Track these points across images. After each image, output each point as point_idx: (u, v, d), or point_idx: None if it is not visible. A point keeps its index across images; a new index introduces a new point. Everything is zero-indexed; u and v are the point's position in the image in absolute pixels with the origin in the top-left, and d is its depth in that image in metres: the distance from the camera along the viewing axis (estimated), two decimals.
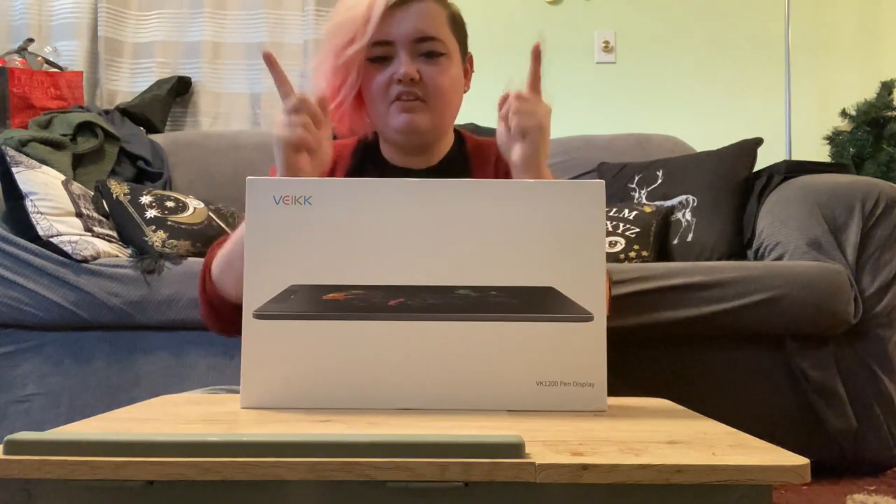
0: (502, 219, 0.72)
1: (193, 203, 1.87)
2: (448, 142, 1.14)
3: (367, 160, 1.12)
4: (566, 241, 0.72)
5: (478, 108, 2.59)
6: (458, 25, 1.10)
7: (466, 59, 1.14)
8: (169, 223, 1.74)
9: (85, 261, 1.59)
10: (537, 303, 0.71)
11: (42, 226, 1.61)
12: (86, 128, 2.09)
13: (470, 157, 1.14)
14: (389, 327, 0.71)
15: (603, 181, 0.74)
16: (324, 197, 0.72)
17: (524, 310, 0.71)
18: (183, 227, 1.76)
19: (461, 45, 1.10)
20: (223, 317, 1.03)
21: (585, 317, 0.71)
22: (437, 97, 1.04)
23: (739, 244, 1.81)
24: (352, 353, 0.72)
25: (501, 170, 1.12)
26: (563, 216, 0.72)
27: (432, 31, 1.03)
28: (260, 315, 0.71)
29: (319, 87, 1.06)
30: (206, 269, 1.03)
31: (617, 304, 1.37)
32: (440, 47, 1.04)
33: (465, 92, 1.13)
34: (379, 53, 1.03)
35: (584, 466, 0.50)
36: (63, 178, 1.78)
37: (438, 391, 0.72)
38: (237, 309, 1.01)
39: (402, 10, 1.02)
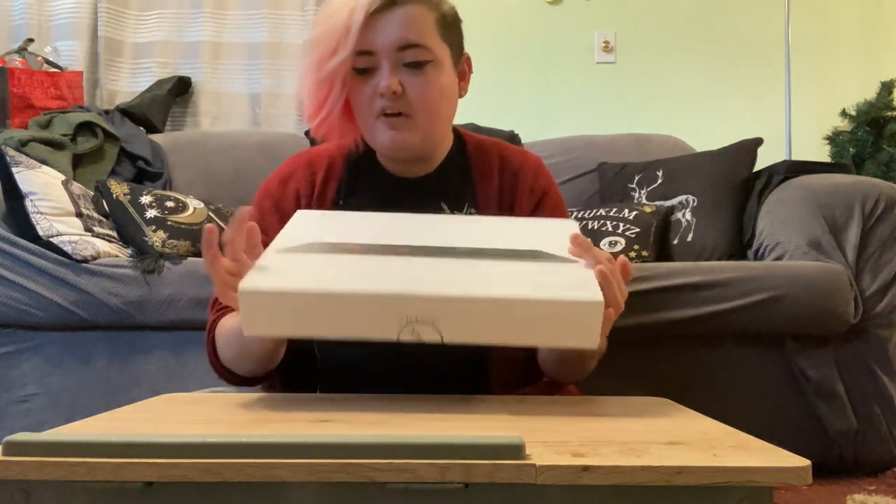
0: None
1: (193, 203, 1.87)
2: (446, 146, 1.10)
3: (362, 169, 1.08)
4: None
5: (479, 107, 2.60)
6: (448, 27, 1.02)
7: (463, 61, 1.07)
8: (169, 223, 1.74)
9: (85, 261, 1.59)
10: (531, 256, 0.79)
11: (42, 226, 1.61)
12: (86, 128, 2.09)
13: (471, 159, 1.10)
14: (395, 259, 0.78)
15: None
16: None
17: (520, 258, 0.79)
18: (183, 227, 1.75)
19: (453, 48, 1.03)
20: (241, 383, 1.03)
21: (574, 261, 0.79)
22: (421, 111, 0.98)
23: (739, 244, 1.81)
24: (359, 266, 0.76)
25: (507, 175, 1.09)
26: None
27: (416, 38, 0.97)
28: (281, 250, 0.80)
29: (304, 98, 1.03)
30: (212, 344, 1.03)
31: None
32: (425, 55, 0.97)
33: (461, 96, 1.08)
34: (362, 65, 0.98)
35: (585, 468, 0.50)
36: (63, 178, 1.78)
37: (442, 283, 0.74)
38: (258, 378, 1.02)
39: (386, 17, 0.96)
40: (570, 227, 0.90)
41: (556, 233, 0.87)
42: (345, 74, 0.98)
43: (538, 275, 0.76)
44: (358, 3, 0.95)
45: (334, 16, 0.96)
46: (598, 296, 0.72)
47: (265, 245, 1.03)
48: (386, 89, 0.96)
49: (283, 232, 0.84)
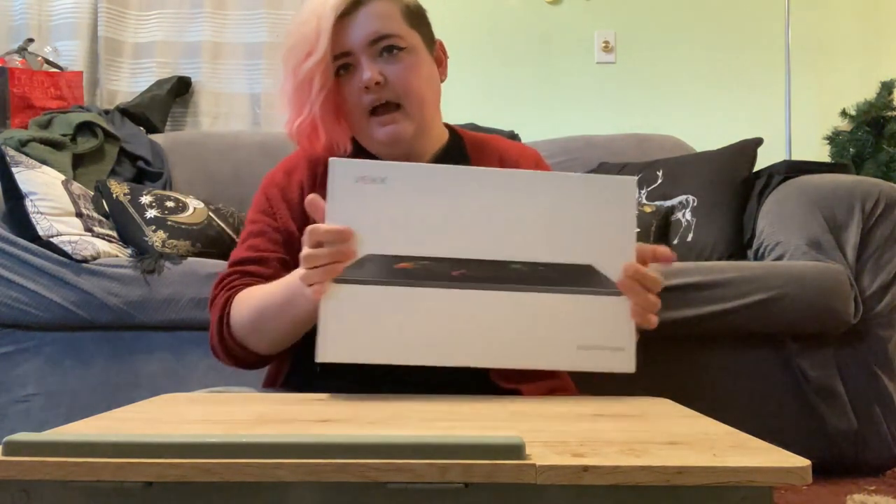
0: (548, 204, 0.83)
1: (193, 203, 1.87)
2: (438, 137, 1.12)
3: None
4: (601, 226, 0.84)
5: (479, 107, 2.60)
6: (415, 16, 1.06)
7: (436, 48, 1.10)
8: (169, 223, 1.74)
9: (85, 261, 1.59)
10: (578, 278, 0.84)
11: (42, 226, 1.61)
12: (86, 128, 2.09)
13: (469, 153, 1.12)
14: (451, 294, 0.82)
15: (635, 178, 0.85)
16: (397, 179, 0.82)
17: (566, 283, 0.83)
18: (183, 227, 1.75)
19: (424, 36, 1.07)
20: (244, 361, 1.04)
21: (616, 292, 0.84)
22: (407, 95, 1.02)
23: (739, 244, 1.81)
24: (417, 316, 0.82)
25: (507, 167, 1.10)
26: (598, 206, 0.84)
27: (386, 30, 1.01)
28: (339, 280, 0.80)
29: (285, 105, 1.05)
30: (224, 318, 1.01)
31: None
32: (398, 42, 1.02)
33: (442, 80, 1.11)
34: (342, 64, 1.02)
35: (585, 468, 0.50)
36: (63, 178, 1.78)
37: (492, 350, 0.83)
38: (262, 358, 1.03)
39: (353, 17, 1.01)
40: (626, 193, 0.86)
41: (609, 215, 0.85)
42: (321, 75, 1.01)
43: (579, 326, 0.84)
44: (325, 8, 0.99)
45: (305, 24, 1.00)
46: (630, 362, 0.85)
47: (279, 229, 1.07)
48: (369, 81, 1.00)
49: (331, 202, 0.81)
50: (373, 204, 0.81)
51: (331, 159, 0.82)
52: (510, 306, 0.82)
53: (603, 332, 0.84)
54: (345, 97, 1.04)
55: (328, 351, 0.81)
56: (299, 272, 0.84)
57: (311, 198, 0.84)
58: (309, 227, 0.81)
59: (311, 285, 0.82)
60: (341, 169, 0.82)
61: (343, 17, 1.00)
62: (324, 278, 0.81)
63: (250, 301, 0.99)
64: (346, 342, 0.81)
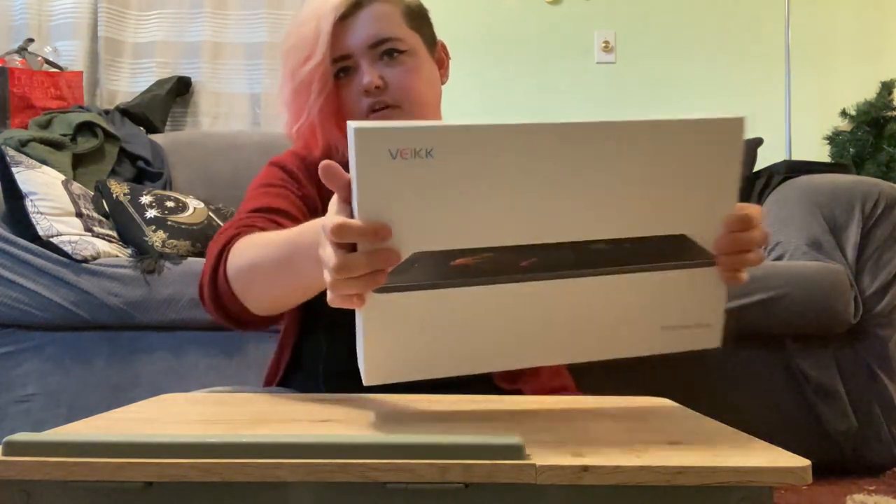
0: (635, 161, 0.66)
1: (193, 203, 1.87)
2: None
3: None
4: (700, 182, 0.68)
5: (478, 107, 2.60)
6: (416, 17, 1.04)
7: (438, 48, 1.09)
8: (169, 223, 1.74)
9: (85, 261, 1.59)
10: (668, 251, 0.70)
11: (42, 226, 1.61)
12: (86, 128, 2.09)
13: None
14: (521, 289, 0.66)
15: (743, 117, 0.67)
16: (448, 148, 0.60)
17: (654, 259, 0.69)
18: (183, 227, 1.75)
19: (425, 37, 1.05)
20: (231, 316, 0.96)
21: (708, 262, 0.70)
22: (407, 98, 1.00)
23: None
24: (482, 319, 0.66)
25: None
26: (699, 157, 0.67)
27: (386, 33, 1.00)
28: (381, 289, 0.62)
29: (285, 108, 1.03)
30: (224, 254, 0.92)
31: None
32: (399, 45, 1.00)
33: (444, 82, 1.09)
34: (342, 67, 1.01)
35: (585, 468, 0.50)
36: (63, 178, 1.78)
37: (568, 345, 0.71)
38: (253, 318, 0.94)
39: (353, 20, 0.99)
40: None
41: (709, 168, 0.69)
42: (320, 79, 0.99)
43: (665, 306, 0.73)
44: (325, 10, 0.98)
45: (304, 25, 0.99)
46: (716, 338, 0.76)
47: (286, 211, 1.00)
48: (368, 84, 0.98)
49: (360, 188, 0.60)
50: (416, 185, 0.60)
51: (354, 126, 0.58)
52: (591, 294, 0.69)
53: (690, 309, 0.73)
54: (344, 100, 1.02)
55: (378, 373, 0.66)
56: (324, 258, 0.63)
57: (326, 164, 0.62)
58: (335, 224, 0.59)
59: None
60: (369, 140, 0.58)
61: (343, 20, 0.99)
62: (363, 290, 0.61)
63: (255, 246, 0.87)
64: (399, 361, 0.66)
